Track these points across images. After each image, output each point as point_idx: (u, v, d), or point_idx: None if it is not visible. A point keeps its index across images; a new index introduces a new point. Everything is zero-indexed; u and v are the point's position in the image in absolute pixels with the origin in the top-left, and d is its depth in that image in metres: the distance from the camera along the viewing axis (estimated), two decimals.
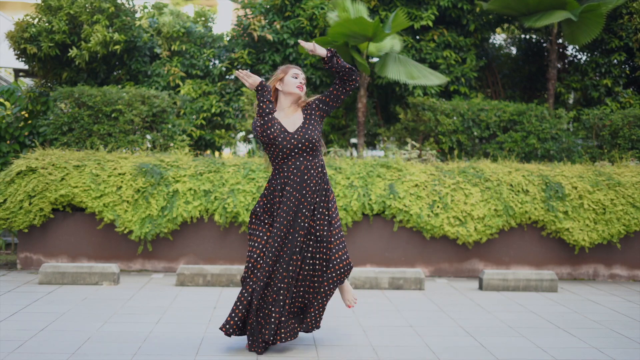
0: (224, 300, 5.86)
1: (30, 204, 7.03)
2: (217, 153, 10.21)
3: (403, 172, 7.36)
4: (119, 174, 7.18)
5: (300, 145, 4.30)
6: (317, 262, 4.34)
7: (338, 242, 4.36)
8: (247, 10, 10.23)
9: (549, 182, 7.33)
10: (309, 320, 4.39)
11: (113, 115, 8.18)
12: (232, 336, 4.39)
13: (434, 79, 8.80)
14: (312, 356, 4.23)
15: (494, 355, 4.36)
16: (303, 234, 4.32)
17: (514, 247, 7.37)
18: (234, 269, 6.54)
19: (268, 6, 10.08)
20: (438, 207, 7.15)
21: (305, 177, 4.31)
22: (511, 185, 7.32)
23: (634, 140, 8.69)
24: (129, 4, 9.71)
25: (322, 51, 4.34)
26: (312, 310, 4.38)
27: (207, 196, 7.14)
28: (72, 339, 4.45)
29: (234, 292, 6.18)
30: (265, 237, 4.32)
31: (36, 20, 9.33)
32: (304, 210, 4.30)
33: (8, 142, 9.02)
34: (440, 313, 5.55)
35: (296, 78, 4.41)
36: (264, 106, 4.32)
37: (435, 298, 6.18)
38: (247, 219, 7.00)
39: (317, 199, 4.35)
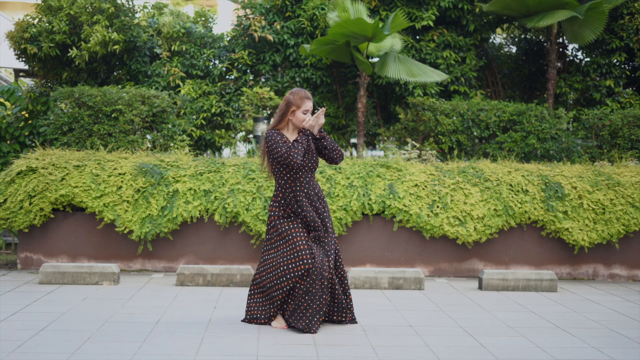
0: (224, 300, 5.87)
1: (30, 203, 7.03)
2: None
3: (403, 172, 7.36)
4: (119, 174, 7.18)
5: (310, 164, 4.89)
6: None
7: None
8: (247, 10, 10.24)
9: (549, 182, 7.34)
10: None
11: (113, 115, 8.19)
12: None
13: (435, 75, 8.81)
14: (312, 356, 4.24)
15: (494, 355, 4.36)
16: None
17: (513, 247, 7.38)
18: (234, 269, 6.55)
19: (268, 6, 10.08)
20: (438, 207, 7.16)
21: (316, 188, 4.92)
22: (511, 185, 7.32)
23: (634, 140, 8.70)
24: (128, 4, 9.72)
25: (315, 130, 4.86)
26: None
27: (207, 196, 7.14)
28: (72, 339, 4.45)
29: (234, 292, 6.19)
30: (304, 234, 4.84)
31: (36, 20, 9.35)
32: (321, 216, 4.92)
33: (8, 142, 9.03)
34: (440, 313, 5.56)
35: (305, 114, 4.87)
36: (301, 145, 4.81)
37: (435, 298, 6.18)
38: (247, 219, 7.01)
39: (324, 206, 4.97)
